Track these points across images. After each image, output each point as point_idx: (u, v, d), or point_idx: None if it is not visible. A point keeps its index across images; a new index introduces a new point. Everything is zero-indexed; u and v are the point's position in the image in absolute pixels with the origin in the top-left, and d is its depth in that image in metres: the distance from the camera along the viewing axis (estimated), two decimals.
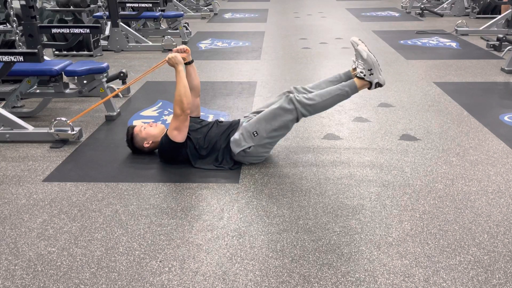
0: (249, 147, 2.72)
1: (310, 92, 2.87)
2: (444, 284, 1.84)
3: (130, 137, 2.95)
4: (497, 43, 5.92)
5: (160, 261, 1.99)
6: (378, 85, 2.72)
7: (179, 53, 2.95)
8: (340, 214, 2.34)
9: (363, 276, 1.89)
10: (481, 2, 8.51)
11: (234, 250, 2.06)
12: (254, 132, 2.72)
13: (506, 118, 3.61)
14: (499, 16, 7.11)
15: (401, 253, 2.03)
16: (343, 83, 2.77)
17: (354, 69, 2.84)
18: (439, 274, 1.90)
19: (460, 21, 7.31)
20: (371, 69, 2.68)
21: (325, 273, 1.91)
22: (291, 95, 2.71)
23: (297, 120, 2.74)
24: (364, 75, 2.70)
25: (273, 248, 2.07)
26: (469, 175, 2.72)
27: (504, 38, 5.76)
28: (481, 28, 7.02)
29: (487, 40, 6.29)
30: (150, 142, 2.90)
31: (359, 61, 2.72)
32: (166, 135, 2.76)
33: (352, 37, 2.85)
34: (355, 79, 2.74)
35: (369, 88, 2.75)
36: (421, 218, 2.29)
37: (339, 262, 1.98)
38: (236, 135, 2.77)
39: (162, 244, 2.11)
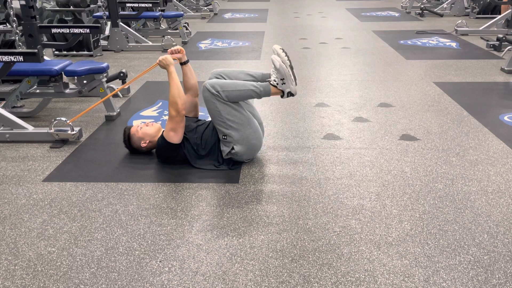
0: (232, 149, 2.73)
1: (225, 78, 2.86)
2: (444, 284, 1.84)
3: (127, 138, 2.95)
4: (497, 43, 5.92)
5: (160, 261, 1.99)
6: (290, 94, 2.75)
7: (174, 54, 2.96)
8: (340, 214, 2.34)
9: (363, 276, 1.89)
10: (481, 2, 8.51)
11: (234, 250, 2.06)
12: (224, 136, 2.73)
13: (506, 118, 3.61)
14: (499, 16, 7.11)
15: (401, 253, 2.03)
16: (260, 83, 2.76)
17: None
18: (439, 274, 1.90)
19: (460, 21, 7.32)
20: (283, 79, 2.71)
21: (325, 273, 1.91)
22: (204, 83, 2.69)
23: (227, 101, 2.67)
24: (277, 84, 2.72)
25: (273, 248, 2.07)
26: (469, 175, 2.72)
27: (504, 38, 5.77)
28: (481, 28, 7.02)
29: (487, 40, 6.29)
30: (147, 141, 2.91)
31: (273, 69, 2.74)
32: (162, 136, 2.77)
33: (274, 45, 2.83)
34: (270, 84, 2.74)
35: (281, 97, 2.76)
36: (421, 218, 2.29)
37: (339, 262, 1.98)
38: (221, 146, 2.79)
39: (162, 244, 2.11)
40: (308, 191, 2.56)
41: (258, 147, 2.86)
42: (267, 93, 2.74)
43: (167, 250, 2.07)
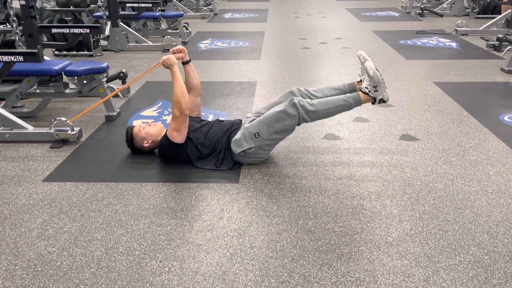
0: (250, 148, 2.73)
1: (313, 96, 2.90)
2: (444, 284, 1.84)
3: (130, 138, 2.95)
4: (497, 43, 5.92)
5: (160, 261, 1.99)
6: (382, 101, 2.76)
7: (176, 54, 2.96)
8: (340, 214, 2.34)
9: (363, 276, 1.89)
10: (481, 2, 8.51)
11: (234, 250, 2.06)
12: (256, 134, 2.72)
13: (506, 118, 3.61)
14: (499, 16, 7.12)
15: (401, 253, 2.03)
16: (348, 94, 2.78)
17: (359, 81, 2.87)
18: (439, 274, 1.90)
19: (460, 21, 7.32)
20: (376, 86, 2.72)
21: (325, 273, 1.91)
22: (295, 99, 2.71)
23: (298, 124, 2.77)
24: (369, 91, 2.73)
25: (273, 248, 2.07)
26: (469, 175, 2.72)
27: (504, 38, 5.76)
28: (481, 28, 7.02)
29: (487, 40, 6.29)
30: (150, 141, 2.91)
31: (365, 77, 2.75)
32: (165, 136, 2.77)
33: (359, 50, 2.87)
34: (360, 93, 2.76)
35: (372, 103, 2.78)
36: (421, 218, 2.29)
37: (339, 262, 1.98)
38: (237, 136, 2.78)
39: (162, 244, 2.11)
40: (308, 191, 2.56)
41: (262, 160, 2.90)
42: (357, 103, 2.75)
43: (167, 250, 2.07)
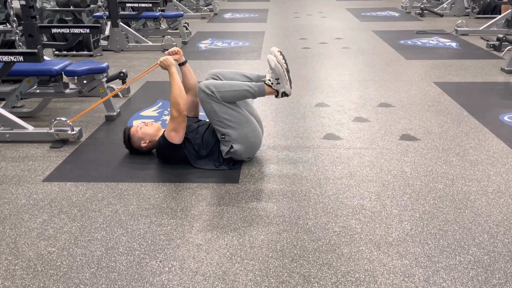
0: (231, 147, 2.74)
1: (220, 79, 2.87)
2: (444, 284, 1.84)
3: (127, 138, 2.95)
4: (497, 43, 5.92)
5: (160, 261, 1.99)
6: (285, 94, 2.75)
7: (171, 55, 2.97)
8: (340, 214, 2.34)
9: (363, 276, 1.89)
10: (481, 2, 8.51)
11: (234, 250, 2.06)
12: (222, 136, 2.74)
13: (506, 118, 3.61)
14: (499, 16, 7.12)
15: (401, 253, 2.03)
16: (254, 83, 2.78)
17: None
18: (439, 274, 1.90)
19: (460, 21, 7.32)
20: (278, 79, 2.71)
21: (325, 273, 1.91)
22: (198, 86, 2.72)
23: (222, 101, 2.70)
24: (272, 83, 2.73)
25: (273, 248, 2.07)
26: (469, 175, 2.72)
27: (504, 38, 5.76)
28: (481, 28, 7.02)
29: (487, 40, 6.29)
30: (147, 141, 2.91)
31: (268, 69, 2.75)
32: (163, 136, 2.77)
33: (273, 47, 2.85)
34: (264, 84, 2.75)
35: (276, 96, 2.76)
36: (421, 218, 2.29)
37: (339, 262, 1.98)
38: (220, 146, 2.80)
39: (162, 244, 2.11)
40: (308, 191, 2.56)
41: (258, 145, 2.86)
42: (261, 93, 2.75)
43: (167, 250, 2.07)
